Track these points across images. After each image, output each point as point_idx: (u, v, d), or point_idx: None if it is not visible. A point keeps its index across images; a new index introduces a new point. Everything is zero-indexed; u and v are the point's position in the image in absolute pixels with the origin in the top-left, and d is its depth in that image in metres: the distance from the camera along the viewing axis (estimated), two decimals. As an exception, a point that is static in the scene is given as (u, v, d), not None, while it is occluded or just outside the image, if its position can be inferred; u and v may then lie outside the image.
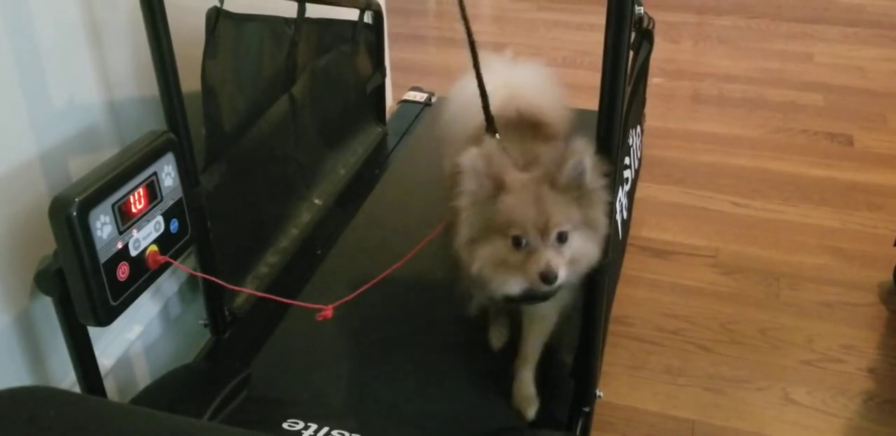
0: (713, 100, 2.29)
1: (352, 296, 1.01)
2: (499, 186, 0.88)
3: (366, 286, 1.03)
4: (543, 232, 0.87)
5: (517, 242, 0.88)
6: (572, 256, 0.89)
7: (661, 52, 2.51)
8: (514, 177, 0.89)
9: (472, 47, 1.01)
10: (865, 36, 2.70)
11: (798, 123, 2.15)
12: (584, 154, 0.85)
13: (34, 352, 1.01)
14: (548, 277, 0.86)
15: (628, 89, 0.84)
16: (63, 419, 0.49)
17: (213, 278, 1.12)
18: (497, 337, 1.20)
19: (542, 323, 1.10)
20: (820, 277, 1.54)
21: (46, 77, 0.96)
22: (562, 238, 0.88)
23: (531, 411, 1.08)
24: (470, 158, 0.87)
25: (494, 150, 0.91)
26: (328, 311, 0.96)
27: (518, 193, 0.88)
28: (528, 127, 1.10)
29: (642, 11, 0.89)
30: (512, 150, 0.96)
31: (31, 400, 0.53)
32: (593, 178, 0.87)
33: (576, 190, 0.87)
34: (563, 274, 0.87)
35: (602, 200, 0.89)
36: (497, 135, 1.02)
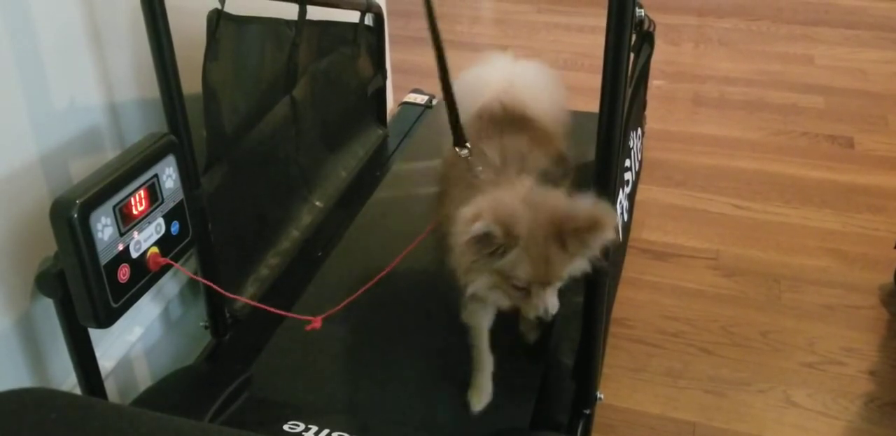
0: (714, 102, 2.29)
1: (339, 307, 1.03)
2: (510, 243, 0.87)
3: (353, 297, 1.05)
4: (544, 285, 0.90)
5: (519, 288, 0.92)
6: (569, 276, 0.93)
7: (661, 54, 2.51)
8: (525, 230, 0.87)
9: (440, 52, 1.01)
10: (866, 38, 2.70)
11: (799, 125, 2.15)
12: (608, 229, 0.85)
13: (35, 354, 1.01)
14: (543, 319, 0.92)
15: (629, 91, 0.84)
16: (64, 421, 0.49)
17: (210, 284, 1.12)
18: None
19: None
20: (821, 279, 1.54)
21: (48, 79, 0.97)
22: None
23: (532, 336, 1.17)
24: (484, 226, 0.85)
25: (510, 203, 0.90)
26: (317, 322, 0.97)
27: (527, 250, 0.88)
28: (513, 121, 1.10)
29: (643, 14, 0.89)
30: (489, 148, 0.97)
31: (32, 402, 0.53)
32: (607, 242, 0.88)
33: (585, 250, 0.89)
34: (556, 309, 0.92)
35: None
36: (468, 145, 1.01)
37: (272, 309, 1.09)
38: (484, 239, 0.86)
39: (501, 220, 0.85)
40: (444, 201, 1.10)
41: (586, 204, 0.87)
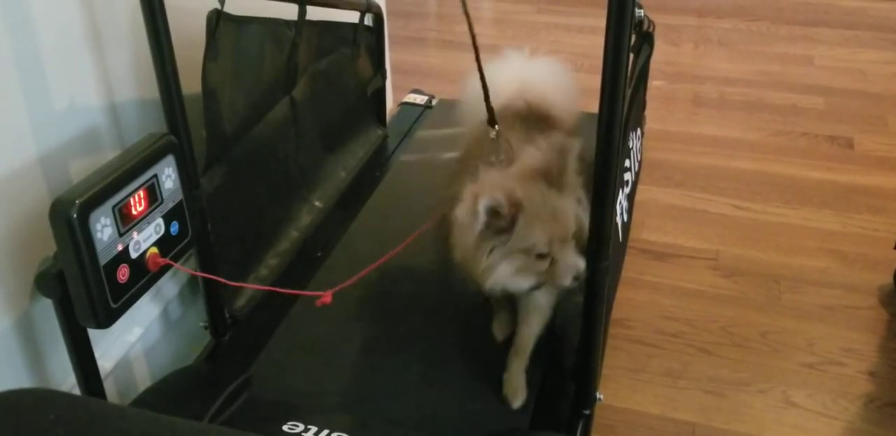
0: (713, 103, 2.29)
1: (350, 282, 1.01)
2: (515, 215, 0.89)
3: (361, 274, 1.03)
4: (564, 242, 0.90)
5: (541, 256, 0.91)
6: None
7: (661, 54, 2.51)
8: (524, 195, 0.89)
9: (474, 41, 1.02)
10: (866, 39, 2.70)
11: (798, 125, 2.15)
12: (573, 145, 0.88)
13: (34, 354, 1.01)
14: (578, 278, 0.91)
15: (628, 92, 0.84)
16: (64, 421, 0.49)
17: (214, 277, 1.12)
18: (500, 329, 1.20)
19: (537, 314, 1.11)
20: (821, 280, 1.54)
21: (47, 79, 0.97)
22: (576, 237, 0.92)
23: (517, 402, 1.10)
24: (489, 199, 0.87)
25: (500, 181, 0.91)
26: (327, 296, 0.96)
27: (534, 213, 0.90)
28: (535, 119, 1.11)
29: (642, 14, 0.89)
30: (515, 141, 0.97)
31: (31, 402, 0.53)
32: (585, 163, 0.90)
33: (578, 186, 0.90)
34: (584, 265, 0.91)
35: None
36: (497, 127, 1.03)
37: (279, 289, 1.08)
38: (493, 215, 0.88)
39: (500, 191, 0.88)
40: (455, 181, 1.11)
41: (543, 146, 0.91)
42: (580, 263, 0.91)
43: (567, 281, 0.93)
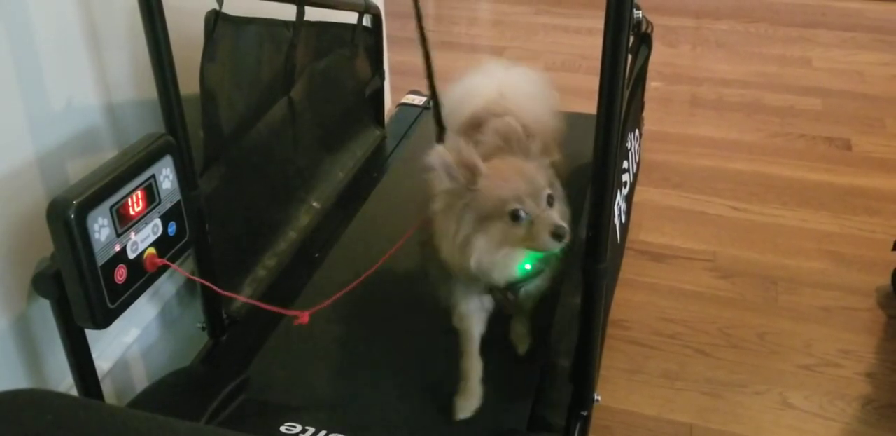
0: (711, 104, 2.30)
1: (326, 303, 1.03)
2: (475, 173, 0.90)
3: (340, 293, 1.05)
4: (536, 198, 0.89)
5: (516, 217, 0.89)
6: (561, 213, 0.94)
7: (659, 56, 2.51)
8: (485, 160, 0.91)
9: (427, 53, 1.04)
10: (864, 41, 2.71)
11: (796, 127, 2.15)
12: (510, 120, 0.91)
13: (31, 355, 1.01)
14: (559, 233, 0.88)
15: (626, 93, 0.84)
16: (59, 422, 0.48)
17: (207, 283, 1.12)
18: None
19: (532, 298, 1.10)
20: (818, 281, 1.55)
21: (45, 79, 0.96)
22: (550, 202, 0.91)
23: (522, 348, 1.15)
24: (438, 154, 0.89)
25: (458, 142, 0.93)
26: (304, 317, 0.97)
27: (497, 171, 0.91)
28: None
29: (641, 15, 0.89)
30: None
31: (27, 403, 0.53)
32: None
33: (537, 155, 0.93)
34: (567, 220, 0.91)
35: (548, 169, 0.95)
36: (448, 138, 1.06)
37: (262, 305, 1.09)
38: (449, 170, 0.90)
39: (452, 148, 0.90)
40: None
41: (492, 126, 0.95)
42: (560, 218, 0.90)
43: (548, 240, 0.88)
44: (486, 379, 1.14)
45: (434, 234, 0.98)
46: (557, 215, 0.91)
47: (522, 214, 0.89)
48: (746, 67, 2.52)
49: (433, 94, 1.02)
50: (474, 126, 1.10)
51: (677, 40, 2.74)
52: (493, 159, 0.93)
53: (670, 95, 2.35)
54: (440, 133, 1.05)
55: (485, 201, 0.90)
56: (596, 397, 1.10)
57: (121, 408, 0.61)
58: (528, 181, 0.90)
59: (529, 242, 0.91)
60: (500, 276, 0.97)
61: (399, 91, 2.12)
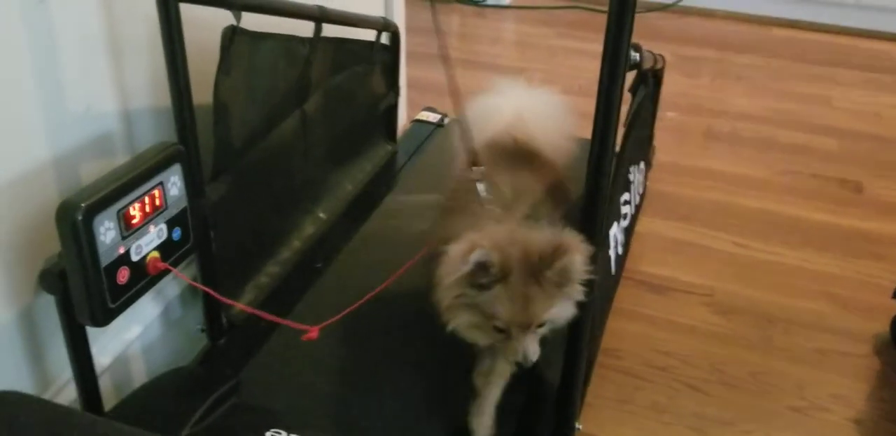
0: (725, 137, 2.30)
1: (336, 318, 1.04)
2: (499, 278, 0.89)
3: (351, 308, 1.06)
4: (524, 327, 0.91)
5: (498, 329, 0.92)
6: (550, 321, 0.94)
7: (677, 86, 2.52)
8: (513, 264, 0.89)
9: (454, 91, 1.03)
10: (886, 82, 2.70)
11: (808, 166, 2.14)
12: (573, 254, 0.87)
13: (35, 346, 1.04)
14: (523, 364, 0.92)
15: (621, 130, 0.85)
16: (35, 426, 0.50)
17: (207, 290, 1.14)
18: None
19: (496, 374, 1.10)
20: (815, 323, 1.54)
21: (66, 86, 1.00)
22: (540, 326, 0.93)
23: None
24: (482, 254, 0.87)
25: (500, 237, 0.91)
26: (314, 332, 0.98)
27: (509, 286, 0.89)
28: (523, 155, 1.12)
29: (638, 57, 0.91)
30: (500, 179, 0.98)
31: (5, 405, 0.54)
32: (581, 272, 0.89)
33: (561, 285, 0.90)
34: (536, 355, 0.92)
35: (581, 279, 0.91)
36: (481, 167, 1.03)
37: (270, 316, 1.11)
38: (480, 269, 0.88)
39: (499, 249, 0.87)
40: (445, 220, 1.12)
41: (553, 234, 0.89)
42: (530, 353, 0.91)
43: (510, 360, 0.94)
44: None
45: (436, 271, 0.99)
46: (535, 339, 0.92)
47: (504, 331, 0.92)
48: (764, 102, 2.51)
49: (463, 126, 1.02)
50: (492, 148, 1.12)
51: (697, 71, 2.74)
52: (514, 273, 0.90)
53: (685, 126, 2.35)
54: (472, 160, 1.03)
55: (485, 304, 0.91)
56: (577, 425, 1.11)
57: (96, 417, 0.61)
58: (528, 313, 0.91)
59: (499, 346, 0.96)
60: (466, 339, 1.01)
61: (416, 106, 2.14)
